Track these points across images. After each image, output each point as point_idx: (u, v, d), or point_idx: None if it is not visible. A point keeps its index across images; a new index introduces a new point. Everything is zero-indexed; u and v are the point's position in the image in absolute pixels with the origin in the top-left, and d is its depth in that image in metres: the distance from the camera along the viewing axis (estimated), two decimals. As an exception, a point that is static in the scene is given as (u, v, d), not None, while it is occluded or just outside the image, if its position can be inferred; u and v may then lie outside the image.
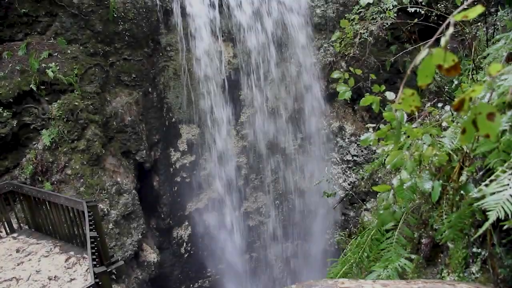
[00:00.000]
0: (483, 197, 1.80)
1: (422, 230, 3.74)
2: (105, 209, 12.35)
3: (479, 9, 1.09)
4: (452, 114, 4.30)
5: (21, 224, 10.45)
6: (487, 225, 1.66)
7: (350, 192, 14.80)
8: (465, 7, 1.24)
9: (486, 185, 1.85)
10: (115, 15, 13.06)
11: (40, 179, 11.71)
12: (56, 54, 12.30)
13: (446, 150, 3.12)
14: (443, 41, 1.10)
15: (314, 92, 15.94)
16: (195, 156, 15.75)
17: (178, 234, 16.09)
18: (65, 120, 11.95)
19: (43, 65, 11.92)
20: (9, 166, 11.74)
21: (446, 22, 1.13)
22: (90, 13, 12.76)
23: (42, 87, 11.90)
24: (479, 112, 1.12)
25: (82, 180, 12.03)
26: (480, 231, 1.72)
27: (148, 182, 15.42)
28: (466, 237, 2.69)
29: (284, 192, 16.95)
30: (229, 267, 17.03)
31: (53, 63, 12.03)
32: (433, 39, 1.22)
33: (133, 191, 13.59)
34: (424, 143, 3.04)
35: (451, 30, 1.08)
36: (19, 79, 11.59)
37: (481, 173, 2.38)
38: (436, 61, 1.13)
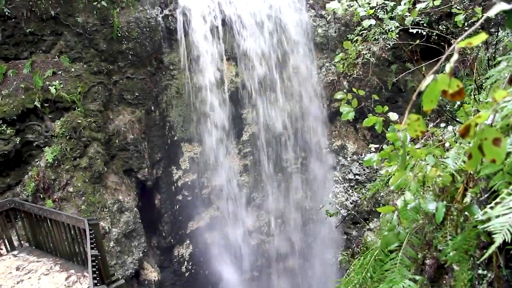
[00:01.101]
0: (488, 219, 1.80)
1: (426, 251, 3.71)
2: (106, 227, 12.29)
3: (482, 36, 1.11)
4: (455, 135, 4.31)
5: (22, 242, 10.38)
6: (493, 248, 1.65)
7: (353, 211, 14.73)
8: (469, 32, 1.26)
9: (492, 208, 1.85)
10: (119, 34, 13.21)
11: (41, 196, 11.69)
12: (60, 72, 12.41)
13: (449, 171, 3.12)
14: (447, 67, 1.12)
15: (316, 111, 16.01)
16: (197, 174, 15.73)
17: (179, 252, 15.98)
18: (67, 137, 11.99)
19: (47, 83, 12.02)
20: (11, 183, 11.74)
21: (451, 48, 1.15)
22: (95, 32, 12.92)
23: (45, 104, 11.98)
24: (485, 138, 1.13)
25: (83, 197, 12.00)
26: (487, 254, 1.71)
27: (149, 200, 15.38)
28: (472, 258, 2.67)
29: (286, 211, 16.87)
30: (231, 286, 16.85)
31: (57, 81, 12.12)
32: (437, 66, 1.23)
33: (135, 209, 13.55)
34: (427, 164, 3.05)
35: (455, 56, 1.10)
36: (23, 96, 11.67)
37: (486, 195, 2.38)
38: (441, 87, 1.15)
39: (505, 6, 1.11)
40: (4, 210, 9.93)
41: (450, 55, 1.27)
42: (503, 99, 1.14)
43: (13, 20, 11.81)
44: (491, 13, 1.15)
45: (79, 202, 11.95)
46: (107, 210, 12.47)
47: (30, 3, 11.88)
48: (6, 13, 11.55)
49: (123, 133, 13.71)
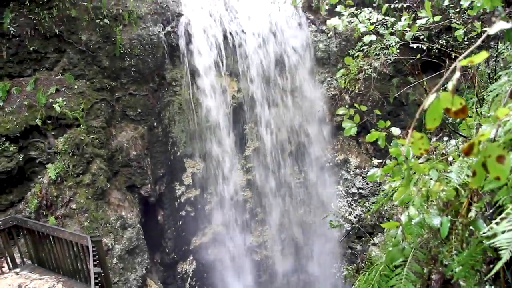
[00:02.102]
0: (494, 235, 1.79)
1: (432, 266, 3.68)
2: (110, 244, 12.25)
3: (484, 54, 1.12)
4: (458, 148, 4.30)
5: (24, 259, 10.34)
6: (500, 264, 1.64)
7: (357, 225, 14.65)
8: (471, 50, 1.27)
9: (497, 223, 1.84)
10: (122, 51, 13.33)
11: (44, 213, 11.68)
12: (63, 89, 12.50)
13: (453, 185, 3.11)
14: (450, 85, 1.13)
15: (318, 126, 16.03)
16: (200, 190, 15.72)
17: (183, 269, 15.87)
18: (70, 154, 12.02)
19: (50, 100, 12.10)
20: (14, 200, 11.74)
21: (453, 66, 1.16)
22: (97, 49, 13.04)
23: (48, 121, 12.04)
24: (489, 155, 1.13)
25: (86, 214, 11.99)
26: (494, 270, 1.70)
27: (152, 216, 15.34)
28: (478, 274, 2.65)
29: (290, 226, 16.79)
30: (234, 302, 16.70)
31: (60, 98, 12.20)
32: (439, 84, 1.25)
33: (138, 225, 13.51)
34: (431, 179, 3.04)
35: (458, 74, 1.11)
36: (26, 113, 11.74)
37: (491, 210, 2.37)
38: (444, 105, 1.16)
39: (505, 25, 1.13)
40: (7, 228, 9.91)
41: (452, 72, 1.29)
42: (505, 115, 1.15)
43: (18, 38, 11.94)
44: (492, 31, 1.16)
45: (82, 218, 11.92)
46: (110, 226, 12.43)
47: (34, 21, 12.02)
48: (11, 32, 11.69)
49: (126, 149, 13.74)
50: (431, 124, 1.20)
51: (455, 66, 1.15)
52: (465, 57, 1.16)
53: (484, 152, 1.13)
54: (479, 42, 1.23)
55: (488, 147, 1.13)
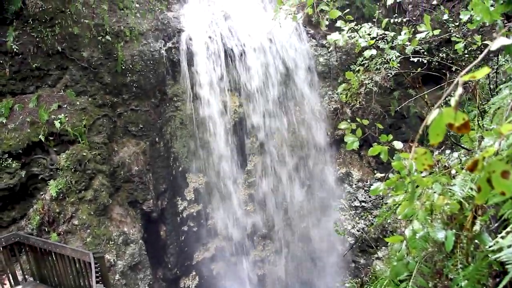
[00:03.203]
0: (500, 249, 1.78)
1: (437, 280, 3.65)
2: (112, 260, 12.18)
3: (485, 70, 1.13)
4: (461, 161, 4.30)
5: (26, 276, 10.29)
6: (507, 279, 1.63)
7: (360, 238, 14.57)
8: (473, 65, 1.28)
9: (503, 237, 1.83)
10: (123, 67, 13.42)
11: (46, 229, 11.65)
12: (65, 105, 12.55)
13: (457, 199, 3.11)
14: (453, 101, 1.14)
15: (320, 139, 16.05)
16: (202, 205, 15.68)
17: (186, 284, 15.75)
18: (73, 170, 12.03)
19: (53, 116, 12.15)
20: (16, 217, 11.72)
21: (455, 82, 1.17)
22: (99, 66, 13.13)
23: (50, 138, 12.08)
24: (493, 170, 1.13)
25: (89, 230, 11.95)
26: (501, 285, 1.69)
27: (155, 232, 15.27)
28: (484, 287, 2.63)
29: (292, 240, 16.70)
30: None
31: (62, 115, 12.25)
32: (441, 99, 1.25)
33: (140, 241, 13.45)
34: (434, 192, 3.03)
35: (460, 90, 1.11)
36: (29, 130, 11.78)
37: (496, 224, 2.36)
38: (446, 120, 1.16)
39: (505, 41, 1.14)
40: (9, 244, 9.88)
41: (454, 87, 1.29)
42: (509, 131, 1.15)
43: (20, 56, 12.04)
44: (493, 47, 1.18)
45: (84, 235, 11.88)
46: (112, 242, 12.38)
47: (37, 39, 12.13)
48: (14, 50, 11.79)
49: (127, 165, 13.75)
50: (434, 140, 1.21)
51: (457, 81, 1.16)
52: (466, 73, 1.17)
53: (488, 167, 1.14)
54: (480, 57, 1.25)
55: (492, 163, 1.13)
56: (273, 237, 16.56)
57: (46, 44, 12.28)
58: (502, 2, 3.42)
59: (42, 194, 11.97)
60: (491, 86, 6.67)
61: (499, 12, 3.22)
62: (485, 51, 1.23)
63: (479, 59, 1.27)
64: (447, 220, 3.24)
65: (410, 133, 15.76)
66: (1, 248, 9.59)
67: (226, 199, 15.76)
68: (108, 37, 13.10)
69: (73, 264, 9.06)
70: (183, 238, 15.59)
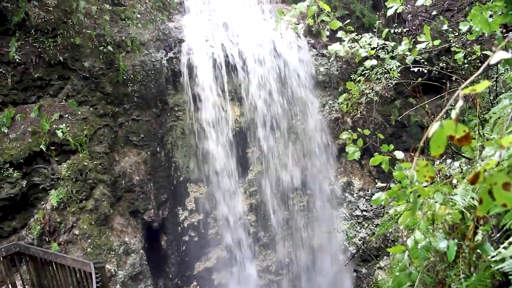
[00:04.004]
0: (503, 259, 1.79)
1: (440, 290, 3.64)
2: (113, 270, 12.14)
3: (485, 83, 1.15)
4: (462, 171, 4.31)
5: (26, 286, 10.25)
6: (509, 290, 1.63)
7: (362, 247, 14.53)
8: (473, 77, 1.29)
9: (505, 248, 1.84)
10: (125, 77, 13.48)
11: (47, 239, 11.63)
12: (67, 115, 12.59)
13: (459, 208, 3.11)
14: (453, 114, 1.15)
15: (320, 148, 16.06)
16: (203, 214, 15.65)
17: (186, 294, 15.68)
18: (74, 180, 12.04)
19: (54, 126, 12.18)
20: (17, 227, 11.70)
21: (455, 95, 1.19)
22: (101, 76, 13.19)
23: (52, 147, 12.09)
24: (495, 182, 1.14)
25: (89, 240, 11.92)
26: (503, 296, 1.69)
27: (156, 242, 15.24)
28: (487, 298, 2.62)
29: (294, 249, 16.64)
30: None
31: (64, 124, 12.28)
32: (442, 112, 1.27)
33: (141, 251, 13.41)
34: (436, 202, 3.04)
35: (460, 103, 1.13)
36: (30, 140, 11.81)
37: (498, 234, 2.37)
38: (447, 132, 1.18)
39: (505, 55, 1.16)
40: (9, 254, 9.86)
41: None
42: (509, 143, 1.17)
43: (23, 66, 12.10)
44: (493, 61, 1.19)
45: (85, 244, 11.86)
46: (113, 252, 12.35)
47: (39, 49, 12.21)
48: (17, 60, 11.86)
49: (129, 174, 13.75)
50: (435, 152, 1.22)
51: (458, 94, 1.18)
52: (467, 86, 1.19)
53: (489, 179, 1.15)
54: (480, 71, 1.26)
55: (493, 175, 1.14)
56: (274, 247, 16.51)
57: (48, 54, 12.35)
58: (500, 13, 3.45)
59: (43, 204, 11.96)
60: (491, 96, 6.70)
61: (497, 23, 3.25)
62: (485, 64, 1.25)
63: (478, 72, 1.29)
64: (449, 230, 3.24)
65: (411, 141, 15.78)
66: (1, 258, 9.58)
67: (226, 208, 15.74)
68: (109, 47, 13.18)
69: (73, 274, 9.04)
70: (184, 248, 15.54)
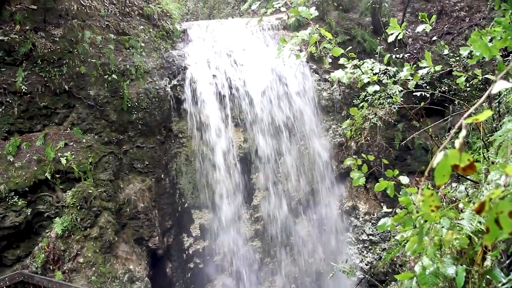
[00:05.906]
0: None
1: (450, 317, 3.58)
2: (117, 299, 12.00)
3: (488, 113, 1.17)
4: (468, 194, 4.29)
5: (30, 317, 10.13)
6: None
7: (369, 273, 14.31)
8: (475, 103, 1.31)
9: (514, 275, 1.82)
10: (129, 105, 13.61)
11: (51, 268, 11.54)
12: (72, 143, 12.68)
13: (466, 233, 3.09)
14: (457, 143, 1.17)
15: (325, 173, 16.03)
16: (208, 241, 15.52)
17: (191, 323, 15.42)
18: (78, 207, 12.03)
19: (59, 154, 12.25)
20: (21, 255, 11.64)
21: (458, 124, 1.21)
22: (105, 104, 13.33)
23: (57, 175, 12.14)
24: (501, 211, 1.15)
25: (94, 268, 11.82)
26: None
27: (160, 269, 15.08)
28: (497, 325, 2.58)
29: (300, 275, 16.41)
30: None
31: (69, 152, 12.35)
32: (446, 141, 1.29)
33: (146, 278, 13.27)
34: (443, 227, 3.02)
35: (464, 132, 1.15)
36: (35, 168, 11.86)
37: (508, 261, 2.35)
38: (452, 162, 1.19)
39: (506, 85, 1.18)
40: (13, 284, 9.78)
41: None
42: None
43: (29, 95, 12.27)
44: (494, 91, 1.22)
45: (89, 273, 11.76)
46: (118, 280, 12.23)
47: (45, 78, 12.40)
48: (23, 89, 12.03)
49: (133, 201, 13.73)
50: (440, 181, 1.23)
51: (461, 124, 1.20)
52: (469, 115, 1.21)
53: (495, 208, 1.15)
54: (481, 100, 1.28)
55: (500, 204, 1.15)
56: (280, 273, 16.29)
57: (53, 84, 12.53)
58: (499, 38, 3.50)
59: (48, 232, 11.93)
60: (494, 117, 6.72)
61: (497, 48, 3.29)
62: (486, 93, 1.27)
63: (481, 101, 1.31)
64: (457, 255, 3.21)
65: (415, 164, 15.72)
66: (5, 288, 9.51)
67: (232, 234, 15.61)
68: (114, 75, 13.36)
69: (78, 304, 8.95)
70: (189, 275, 15.36)
